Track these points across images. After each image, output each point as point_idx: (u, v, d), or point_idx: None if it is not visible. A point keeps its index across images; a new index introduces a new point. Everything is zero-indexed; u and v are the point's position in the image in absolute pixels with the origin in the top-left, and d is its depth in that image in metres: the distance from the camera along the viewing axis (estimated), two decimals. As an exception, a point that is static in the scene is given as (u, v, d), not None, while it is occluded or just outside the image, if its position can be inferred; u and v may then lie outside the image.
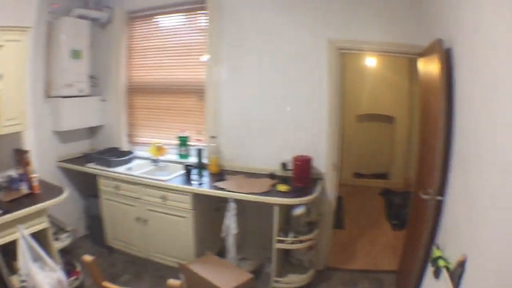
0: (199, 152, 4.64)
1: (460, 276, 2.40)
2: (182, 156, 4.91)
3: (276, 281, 4.01)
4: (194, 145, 4.85)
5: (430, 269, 3.06)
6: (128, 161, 4.99)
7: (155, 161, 4.96)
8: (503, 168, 2.00)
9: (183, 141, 4.90)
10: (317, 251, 4.37)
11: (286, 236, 3.89)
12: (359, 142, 7.86)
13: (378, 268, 4.65)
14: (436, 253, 2.93)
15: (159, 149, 4.93)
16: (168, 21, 5.21)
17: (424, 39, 3.66)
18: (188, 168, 4.42)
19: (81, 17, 4.97)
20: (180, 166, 4.67)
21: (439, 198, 3.08)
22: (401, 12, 4.03)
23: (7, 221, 3.30)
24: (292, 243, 3.88)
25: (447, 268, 2.65)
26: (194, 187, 4.15)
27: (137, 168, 4.86)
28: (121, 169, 4.75)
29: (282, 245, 3.87)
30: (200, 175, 4.50)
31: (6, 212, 3.34)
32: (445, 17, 3.30)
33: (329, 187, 4.38)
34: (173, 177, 4.43)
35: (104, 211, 4.87)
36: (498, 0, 2.16)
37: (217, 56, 4.67)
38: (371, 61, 7.46)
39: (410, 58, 5.43)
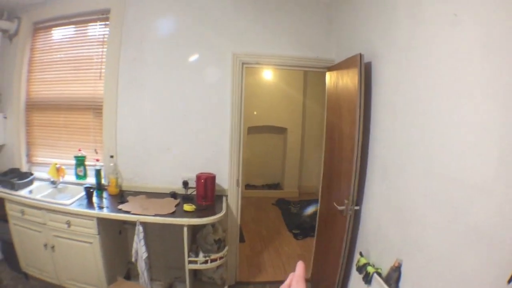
0: (98, 173, 4.46)
1: (397, 280, 2.61)
2: (80, 177, 4.73)
3: None
4: (92, 165, 4.65)
5: (356, 276, 3.24)
6: (30, 183, 4.72)
7: (54, 182, 4.72)
8: (427, 170, 2.36)
9: (80, 161, 4.70)
10: (227, 267, 4.36)
11: (196, 255, 3.86)
12: (252, 154, 8.01)
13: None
14: (361, 260, 3.13)
15: (58, 170, 4.71)
16: (68, 33, 4.96)
17: (333, 53, 4.01)
18: (88, 190, 4.24)
19: (-6, 28, 4.60)
20: (80, 188, 4.49)
21: (356, 207, 3.26)
22: (312, 27, 4.15)
23: None
24: (204, 262, 3.84)
25: (379, 274, 2.85)
26: (98, 211, 3.97)
27: (37, 191, 4.58)
28: (23, 192, 4.49)
29: (194, 265, 3.84)
30: (101, 197, 4.34)
31: None
32: (364, 33, 3.50)
33: (233, 202, 4.37)
34: (74, 200, 4.23)
35: (14, 237, 4.60)
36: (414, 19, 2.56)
37: (115, 69, 4.48)
38: (268, 75, 7.64)
39: (306, 72, 5.44)
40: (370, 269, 2.93)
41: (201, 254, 3.86)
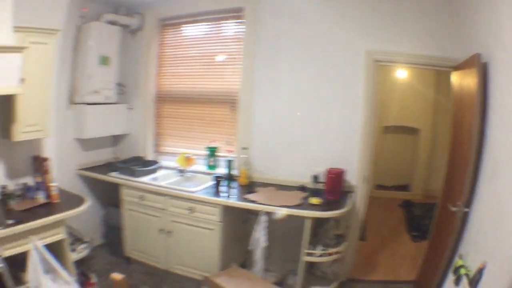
0: (229, 163, 4.54)
1: (477, 282, 2.57)
2: (211, 167, 4.79)
3: None
4: (223, 156, 4.72)
5: (451, 278, 3.13)
6: (154, 171, 4.84)
7: (182, 171, 4.82)
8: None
9: (212, 152, 4.77)
10: (342, 263, 4.26)
11: (314, 248, 3.78)
12: (383, 154, 7.72)
13: (397, 278, 4.61)
14: (458, 262, 3.05)
15: (187, 160, 4.79)
16: (200, 30, 5.09)
17: (458, 52, 3.72)
18: (217, 180, 4.27)
19: (111, 22, 4.88)
20: (208, 177, 4.57)
21: (466, 209, 3.16)
22: (438, 25, 3.98)
23: (20, 231, 3.14)
24: (321, 255, 3.77)
25: (467, 276, 2.78)
26: (224, 199, 4.00)
27: (162, 179, 4.70)
28: (145, 179, 4.60)
29: (310, 258, 3.77)
30: (230, 186, 4.36)
31: (18, 222, 3.19)
32: (482, 32, 3.30)
33: (359, 199, 4.29)
34: (201, 188, 4.29)
35: (125, 221, 4.70)
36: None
37: (251, 66, 4.55)
38: (401, 73, 7.47)
39: (438, 71, 5.41)
40: (462, 271, 2.90)
41: (319, 248, 3.80)
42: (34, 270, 3.15)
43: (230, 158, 4.57)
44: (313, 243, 3.82)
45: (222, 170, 4.66)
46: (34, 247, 3.16)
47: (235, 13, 4.63)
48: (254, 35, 4.53)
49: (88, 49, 4.66)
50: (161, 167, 5.04)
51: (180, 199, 4.19)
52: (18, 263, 3.27)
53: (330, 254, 3.78)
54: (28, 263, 3.14)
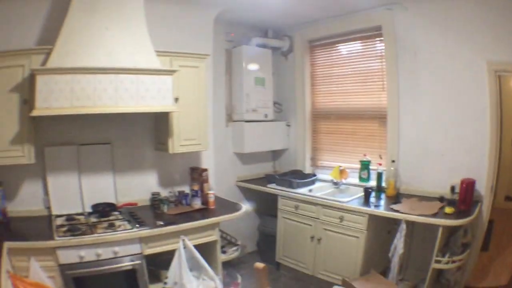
0: (379, 176, 4.61)
1: None
2: (363, 179, 4.89)
3: None
4: (374, 169, 4.80)
5: None
6: (311, 183, 5.09)
7: (336, 183, 4.98)
8: None
9: (365, 165, 4.88)
10: (463, 271, 4.14)
11: (443, 256, 3.77)
12: None
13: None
14: None
15: (341, 172, 4.97)
16: (347, 48, 5.27)
17: None
18: (367, 191, 4.42)
19: (261, 45, 5.31)
20: (359, 189, 4.68)
21: None
22: None
23: (169, 232, 3.63)
24: (447, 263, 3.76)
25: None
26: (372, 208, 4.15)
27: (317, 190, 4.91)
28: (302, 190, 4.86)
29: (438, 265, 3.78)
30: (378, 197, 4.47)
31: (168, 224, 3.65)
32: None
33: (485, 209, 4.16)
34: (352, 198, 4.45)
35: (280, 229, 5.04)
36: None
37: (394, 81, 4.62)
38: None
39: None
40: None
41: (447, 256, 3.78)
42: (178, 267, 3.59)
43: (380, 171, 4.65)
44: (443, 251, 3.83)
45: (372, 183, 4.75)
46: (183, 246, 3.58)
47: (376, 32, 4.74)
48: (394, 51, 4.59)
49: (243, 71, 5.13)
50: (317, 180, 5.26)
51: (332, 208, 4.40)
52: (157, 262, 3.79)
53: (454, 262, 3.77)
54: (173, 261, 3.61)
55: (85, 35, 3.52)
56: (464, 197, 3.90)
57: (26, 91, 3.44)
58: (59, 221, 3.72)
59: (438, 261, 3.77)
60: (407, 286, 4.21)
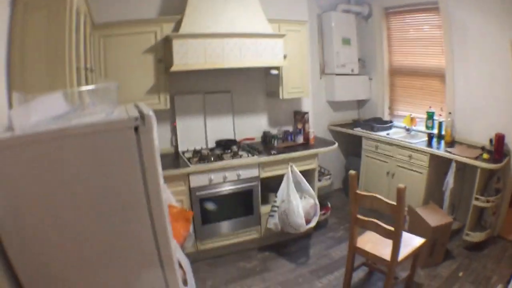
0: (440, 125, 5.38)
1: None
2: (428, 127, 5.62)
3: (467, 234, 4.65)
4: (437, 119, 5.54)
5: None
6: (388, 128, 6.01)
7: (408, 129, 5.81)
8: None
9: (430, 116, 5.59)
10: (496, 218, 4.81)
11: (482, 195, 4.55)
12: None
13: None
14: None
15: (411, 120, 5.80)
16: (414, 17, 5.95)
17: None
18: (430, 136, 5.22)
19: (345, 11, 6.23)
20: (425, 135, 5.41)
21: None
22: None
23: (281, 159, 4.70)
24: (485, 202, 4.50)
25: None
26: (432, 149, 4.99)
27: (393, 134, 5.75)
28: (381, 133, 5.76)
29: (478, 202, 4.54)
30: (438, 142, 5.25)
31: (280, 153, 4.77)
32: None
33: None
34: (419, 141, 5.27)
35: (363, 166, 6.05)
36: None
37: (450, 48, 5.23)
38: None
39: None
40: None
41: (484, 196, 4.52)
42: (286, 188, 4.52)
43: (441, 121, 5.41)
44: (482, 193, 4.57)
45: (435, 130, 5.48)
46: (291, 170, 4.60)
47: (434, 5, 5.35)
48: (448, 23, 5.16)
49: (332, 33, 6.10)
50: (393, 126, 6.14)
51: (404, 148, 5.29)
52: (266, 188, 4.78)
53: (489, 202, 4.48)
54: (282, 183, 4.57)
55: (209, 6, 4.42)
56: (497, 148, 4.58)
57: (160, 52, 4.34)
58: (187, 155, 4.67)
59: (477, 199, 4.50)
60: (455, 225, 4.88)
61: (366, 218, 3.43)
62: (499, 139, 4.59)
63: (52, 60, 2.33)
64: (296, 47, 5.13)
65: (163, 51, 4.36)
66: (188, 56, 4.21)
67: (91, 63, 3.63)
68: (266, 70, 5.21)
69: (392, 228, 3.19)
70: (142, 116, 1.73)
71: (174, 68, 4.16)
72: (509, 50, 4.56)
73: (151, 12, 4.63)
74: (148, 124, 1.74)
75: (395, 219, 3.15)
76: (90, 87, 2.45)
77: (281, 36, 4.75)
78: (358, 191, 3.48)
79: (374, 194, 3.37)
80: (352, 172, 3.57)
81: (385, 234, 3.28)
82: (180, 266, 2.33)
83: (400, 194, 3.13)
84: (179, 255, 2.45)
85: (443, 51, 5.41)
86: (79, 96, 2.10)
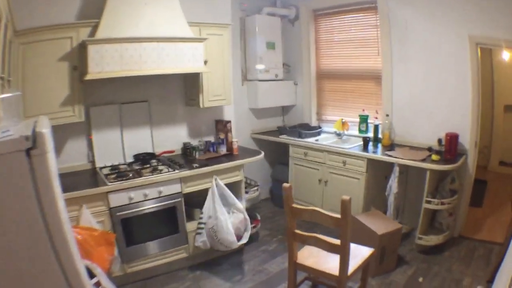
0: (376, 128, 5.25)
1: None
2: (361, 131, 5.48)
3: (419, 238, 4.51)
4: (371, 122, 5.42)
5: None
6: (317, 134, 5.82)
7: (339, 134, 5.61)
8: None
9: (364, 119, 5.47)
10: (455, 218, 4.74)
11: (433, 198, 4.40)
12: (507, 132, 7.48)
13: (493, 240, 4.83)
14: None
15: (343, 124, 5.59)
16: (347, 18, 5.83)
17: None
18: (365, 140, 5.07)
19: (270, 14, 5.94)
20: (359, 139, 5.29)
21: None
22: None
23: (204, 172, 4.35)
24: (437, 204, 4.37)
25: None
26: (370, 153, 4.83)
27: (322, 140, 5.59)
28: (309, 140, 5.58)
29: (429, 205, 4.38)
30: (375, 146, 5.12)
31: (203, 166, 4.36)
32: None
33: (470, 162, 4.69)
34: (353, 146, 5.14)
35: (291, 174, 5.80)
36: None
37: (388, 48, 5.17)
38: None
39: None
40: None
41: (436, 198, 4.41)
42: (211, 203, 4.28)
43: (377, 124, 5.27)
44: (433, 195, 4.44)
45: (370, 134, 5.36)
46: (216, 184, 4.29)
47: (371, 5, 5.29)
48: (387, 23, 5.11)
49: (256, 37, 5.77)
50: (322, 131, 5.96)
51: (336, 154, 5.11)
52: (190, 203, 4.46)
53: (443, 204, 4.36)
54: (207, 198, 4.31)
55: (127, 10, 4.03)
56: (449, 148, 4.47)
57: (75, 59, 3.89)
58: (105, 171, 4.26)
59: (428, 202, 4.36)
60: (404, 229, 4.70)
61: (306, 234, 3.14)
62: (452, 139, 4.49)
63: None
64: (218, 52, 4.80)
65: (78, 58, 3.93)
66: (104, 63, 3.82)
67: (9, 72, 3.21)
68: (187, 76, 4.90)
69: (337, 242, 2.91)
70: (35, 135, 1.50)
71: (88, 76, 3.73)
72: (467, 47, 4.52)
73: (76, 17, 4.21)
74: (42, 145, 1.53)
75: (341, 232, 2.87)
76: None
77: (201, 40, 4.37)
78: (294, 205, 3.19)
79: (314, 208, 3.10)
80: (286, 184, 3.26)
81: (330, 248, 3.00)
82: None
83: (345, 206, 2.89)
84: (104, 282, 2.38)
85: (379, 51, 5.33)
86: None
